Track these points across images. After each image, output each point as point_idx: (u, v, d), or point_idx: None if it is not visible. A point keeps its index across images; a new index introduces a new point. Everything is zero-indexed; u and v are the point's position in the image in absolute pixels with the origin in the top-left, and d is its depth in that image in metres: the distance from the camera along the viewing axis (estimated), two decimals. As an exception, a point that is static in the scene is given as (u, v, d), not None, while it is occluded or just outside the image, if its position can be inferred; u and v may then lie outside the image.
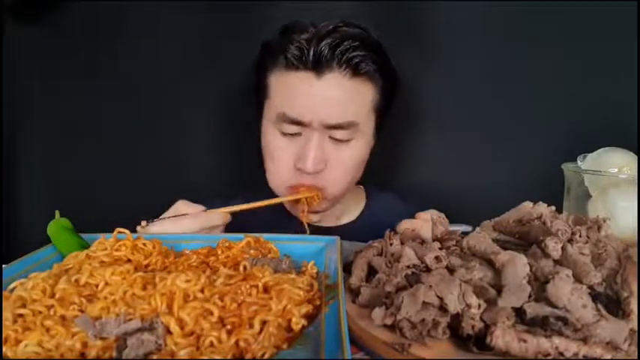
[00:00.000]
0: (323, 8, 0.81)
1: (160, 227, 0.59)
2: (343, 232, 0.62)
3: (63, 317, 0.36)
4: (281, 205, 0.76)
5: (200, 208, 0.62)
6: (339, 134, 0.68)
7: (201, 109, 0.95)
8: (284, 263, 0.46)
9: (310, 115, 0.66)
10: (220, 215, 0.62)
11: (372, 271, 0.46)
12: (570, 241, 0.40)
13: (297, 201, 0.71)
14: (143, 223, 0.59)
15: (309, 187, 0.69)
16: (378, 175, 0.94)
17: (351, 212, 0.84)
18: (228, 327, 0.35)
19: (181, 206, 0.62)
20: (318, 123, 0.66)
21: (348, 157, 0.70)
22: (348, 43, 0.64)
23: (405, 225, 0.60)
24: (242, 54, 0.91)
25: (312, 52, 0.64)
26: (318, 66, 0.65)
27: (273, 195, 0.74)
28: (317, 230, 0.76)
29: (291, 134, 0.69)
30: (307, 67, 0.65)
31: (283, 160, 0.70)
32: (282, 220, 0.78)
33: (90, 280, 0.40)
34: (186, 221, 0.59)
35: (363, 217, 0.84)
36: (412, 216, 0.66)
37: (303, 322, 0.37)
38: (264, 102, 0.73)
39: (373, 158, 0.95)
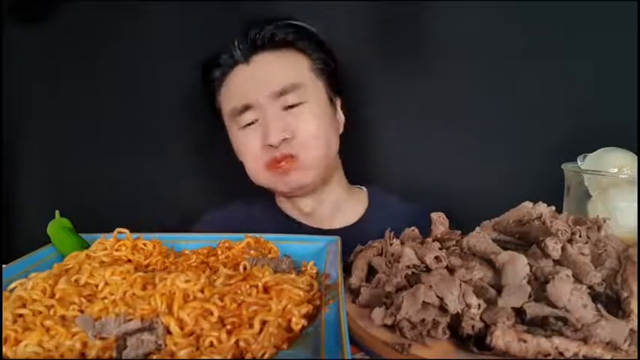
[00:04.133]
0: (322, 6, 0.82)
1: None
2: (344, 233, 0.62)
3: (63, 317, 0.36)
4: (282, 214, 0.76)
5: None
6: (289, 98, 0.71)
7: (202, 110, 0.95)
8: (284, 263, 0.46)
9: (252, 93, 0.71)
10: None
11: (372, 271, 0.46)
12: (570, 241, 0.40)
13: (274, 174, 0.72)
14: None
15: (284, 157, 0.71)
16: (377, 175, 0.94)
17: (352, 213, 0.83)
18: (228, 327, 0.35)
19: None
20: (264, 97, 0.70)
21: (309, 120, 0.72)
22: (269, 29, 0.72)
23: None
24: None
25: (239, 51, 0.72)
26: (246, 57, 0.72)
27: (271, 199, 0.75)
28: (317, 231, 0.76)
29: (249, 124, 0.73)
30: (240, 62, 0.73)
31: (250, 148, 0.73)
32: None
33: (90, 280, 0.40)
34: None
35: (365, 219, 0.83)
36: (413, 218, 0.65)
37: (303, 322, 0.37)
38: (220, 113, 0.78)
39: (372, 158, 0.95)
